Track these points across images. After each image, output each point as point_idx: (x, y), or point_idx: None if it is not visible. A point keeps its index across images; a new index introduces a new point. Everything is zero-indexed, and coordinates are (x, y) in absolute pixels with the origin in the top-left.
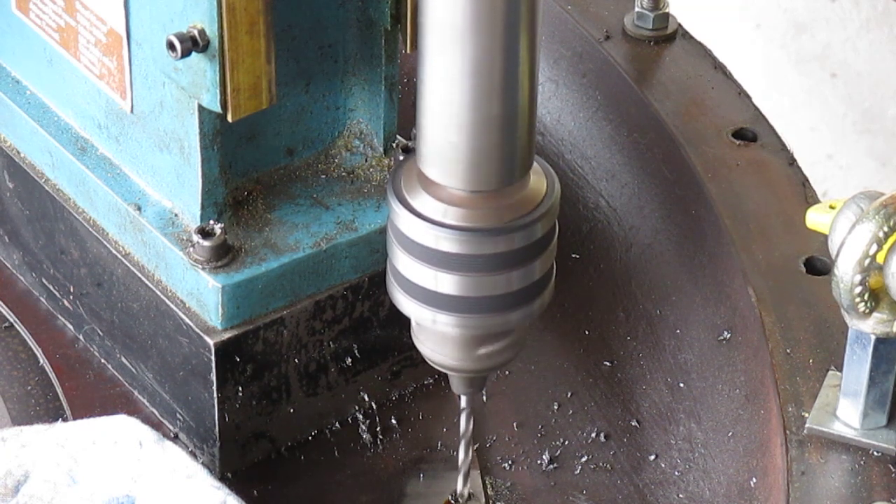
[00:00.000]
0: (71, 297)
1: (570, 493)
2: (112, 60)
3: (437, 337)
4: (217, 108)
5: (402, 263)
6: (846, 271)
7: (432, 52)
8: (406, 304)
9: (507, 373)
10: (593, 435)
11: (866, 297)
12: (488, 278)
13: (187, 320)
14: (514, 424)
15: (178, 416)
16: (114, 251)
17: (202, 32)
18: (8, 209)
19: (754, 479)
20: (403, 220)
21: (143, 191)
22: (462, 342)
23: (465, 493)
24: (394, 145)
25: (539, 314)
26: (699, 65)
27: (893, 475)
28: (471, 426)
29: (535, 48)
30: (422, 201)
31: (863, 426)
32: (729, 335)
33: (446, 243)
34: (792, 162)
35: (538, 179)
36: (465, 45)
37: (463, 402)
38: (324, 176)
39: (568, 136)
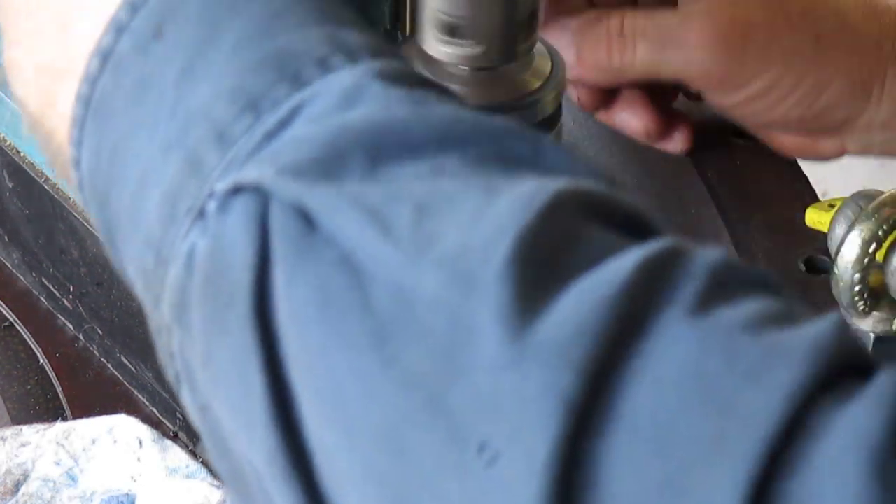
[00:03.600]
0: (71, 297)
1: None
2: None
3: None
4: None
5: None
6: (846, 270)
7: None
8: None
9: None
10: None
11: (866, 295)
12: None
13: None
14: None
15: (177, 414)
16: None
17: None
18: (7, 208)
19: None
20: None
21: None
22: None
23: None
24: None
25: None
26: None
27: None
28: None
29: None
30: None
31: None
32: None
33: None
34: (792, 160)
35: (542, 60)
36: None
37: None
38: None
39: (567, 135)
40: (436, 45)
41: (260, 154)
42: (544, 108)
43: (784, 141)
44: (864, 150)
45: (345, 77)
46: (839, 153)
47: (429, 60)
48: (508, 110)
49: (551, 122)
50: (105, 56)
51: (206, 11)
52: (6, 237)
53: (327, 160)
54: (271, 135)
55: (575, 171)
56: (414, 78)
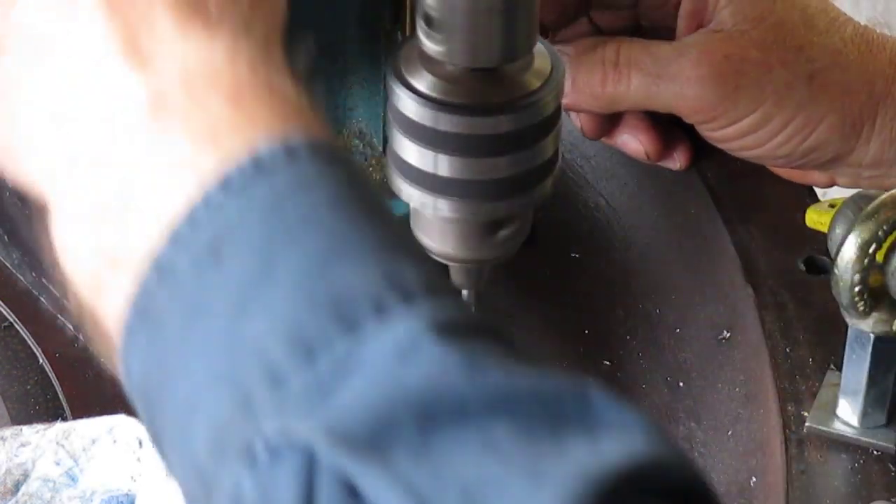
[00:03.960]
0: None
1: None
2: None
3: (437, 224)
4: None
5: (402, 146)
6: (846, 270)
7: None
8: (406, 189)
9: None
10: None
11: (866, 295)
12: (490, 161)
13: None
14: None
15: None
16: None
17: None
18: (7, 208)
19: (754, 479)
20: (403, 100)
21: None
22: (462, 229)
23: None
24: None
25: (540, 203)
26: None
27: (893, 474)
28: None
29: None
30: (421, 80)
31: (862, 425)
32: (728, 334)
33: (445, 122)
34: None
35: (542, 60)
36: None
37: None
38: None
39: (567, 135)
40: (436, 45)
41: (314, 411)
42: (544, 108)
43: (775, 169)
44: (854, 185)
45: (399, 328)
46: (829, 185)
47: (429, 60)
48: (508, 110)
49: (551, 122)
50: (162, 270)
51: (264, 237)
52: (6, 237)
53: (379, 429)
54: (325, 389)
55: (624, 424)
56: (469, 323)
